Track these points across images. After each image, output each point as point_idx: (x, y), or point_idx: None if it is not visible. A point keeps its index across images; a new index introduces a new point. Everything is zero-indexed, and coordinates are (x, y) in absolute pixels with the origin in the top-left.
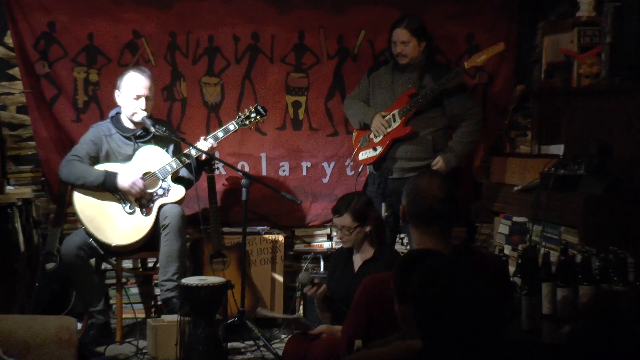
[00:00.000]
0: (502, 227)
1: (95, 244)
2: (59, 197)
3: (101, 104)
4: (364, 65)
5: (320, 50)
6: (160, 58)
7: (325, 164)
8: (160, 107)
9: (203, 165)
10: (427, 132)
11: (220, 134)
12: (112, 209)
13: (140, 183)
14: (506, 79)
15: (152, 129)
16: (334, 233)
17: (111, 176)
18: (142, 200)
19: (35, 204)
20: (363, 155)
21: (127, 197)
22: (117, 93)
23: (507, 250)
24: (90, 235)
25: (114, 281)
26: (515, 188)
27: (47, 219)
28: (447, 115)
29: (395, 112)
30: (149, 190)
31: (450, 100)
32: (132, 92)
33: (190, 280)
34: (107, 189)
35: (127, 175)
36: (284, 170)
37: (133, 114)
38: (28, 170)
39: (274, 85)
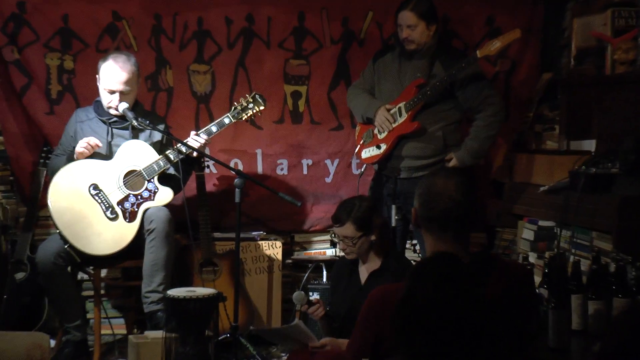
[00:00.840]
0: (527, 233)
1: (71, 251)
2: (30, 199)
3: (77, 94)
4: (372, 51)
5: (322, 34)
6: (143, 43)
7: (328, 162)
8: (143, 98)
9: (192, 164)
10: (437, 128)
11: (214, 128)
12: (92, 213)
13: (85, 139)
14: (531, 67)
15: (134, 123)
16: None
17: (72, 152)
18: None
19: (3, 206)
20: (366, 153)
21: (108, 199)
22: (97, 78)
23: (532, 258)
24: (66, 241)
25: (91, 293)
26: (541, 189)
27: (16, 223)
28: (462, 108)
29: (402, 105)
30: (134, 193)
31: (464, 90)
32: (105, 85)
33: (178, 292)
34: (69, 160)
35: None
36: (282, 168)
37: (108, 108)
38: None
39: (271, 74)
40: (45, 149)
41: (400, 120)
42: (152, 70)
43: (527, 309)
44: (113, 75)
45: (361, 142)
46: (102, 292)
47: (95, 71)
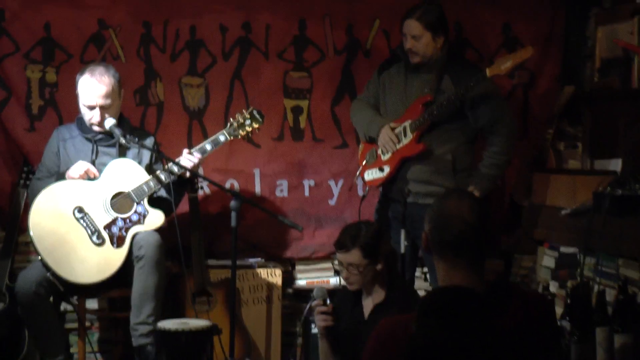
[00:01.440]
0: (547, 260)
1: (53, 279)
2: (9, 222)
3: (60, 109)
4: (379, 62)
5: (325, 44)
6: (131, 53)
7: (331, 183)
8: (132, 113)
9: (185, 185)
10: (446, 150)
11: (208, 146)
12: (77, 238)
13: (83, 165)
14: (552, 79)
15: (122, 140)
16: None
17: (60, 176)
18: (117, 220)
19: None
20: (369, 175)
21: (94, 223)
22: (77, 94)
23: (554, 287)
24: (48, 269)
25: (75, 325)
26: (563, 211)
27: None
28: (472, 127)
29: (407, 124)
30: (122, 216)
31: (474, 110)
32: (84, 101)
33: (169, 324)
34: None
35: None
36: (282, 189)
37: (90, 124)
38: None
39: (270, 87)
40: (25, 168)
41: (405, 141)
42: (141, 83)
43: (548, 343)
44: (91, 90)
45: (364, 163)
46: (87, 324)
47: None
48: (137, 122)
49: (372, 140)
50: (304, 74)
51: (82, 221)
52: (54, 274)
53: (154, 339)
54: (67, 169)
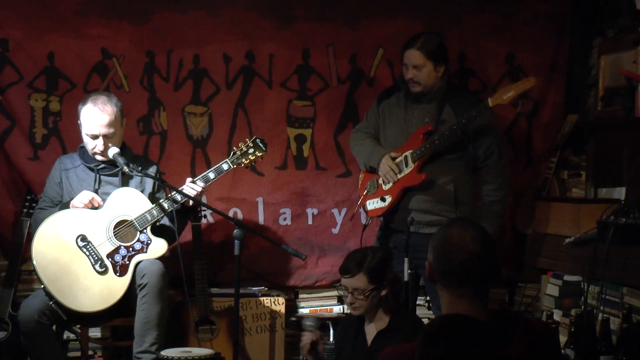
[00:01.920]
0: (551, 288)
1: (56, 307)
2: (12, 251)
3: (64, 138)
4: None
5: (328, 73)
6: (135, 83)
7: (335, 211)
8: (135, 142)
9: (188, 213)
10: (448, 180)
11: (211, 174)
12: (80, 267)
13: (87, 194)
14: (555, 107)
15: (126, 169)
16: None
17: (64, 205)
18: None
19: None
20: (371, 204)
21: (97, 252)
22: (79, 123)
23: (557, 316)
24: (51, 297)
25: (78, 354)
26: (567, 240)
27: None
28: (473, 157)
29: (408, 153)
30: (125, 244)
31: (474, 143)
32: (87, 130)
33: (172, 353)
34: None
35: (79, 196)
36: (285, 218)
37: (93, 154)
38: None
39: (273, 116)
40: (28, 197)
41: (407, 170)
42: (145, 112)
43: None
44: (94, 119)
45: (364, 193)
46: (90, 353)
47: None
48: (141, 151)
49: (373, 170)
50: (307, 102)
51: (85, 250)
52: (57, 303)
53: None
54: (71, 198)
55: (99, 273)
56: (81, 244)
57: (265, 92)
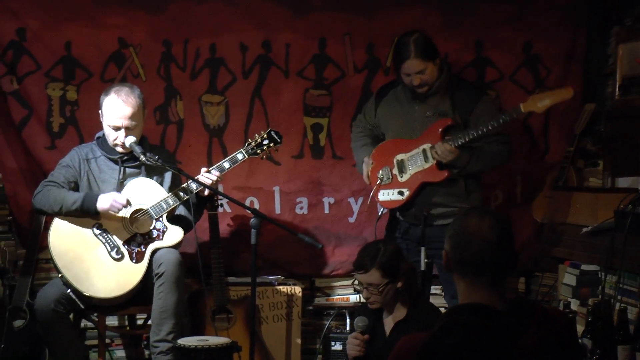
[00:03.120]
0: (568, 277)
1: (73, 296)
2: (29, 240)
3: (80, 127)
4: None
5: (345, 62)
6: (152, 72)
7: (351, 200)
8: (152, 131)
9: (205, 202)
10: (457, 172)
11: (226, 164)
12: (96, 253)
13: (121, 199)
14: (573, 97)
15: (142, 158)
16: None
17: (91, 196)
18: (137, 236)
19: (1, 248)
20: (385, 195)
21: (113, 239)
22: (100, 113)
23: (575, 305)
24: (67, 285)
25: (95, 342)
26: (584, 230)
27: (15, 266)
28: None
29: (427, 147)
30: (141, 232)
31: (491, 144)
32: (109, 122)
33: (189, 341)
34: (85, 211)
35: (108, 195)
36: (302, 207)
37: (114, 145)
38: None
39: (290, 105)
40: None
41: (426, 165)
42: (162, 101)
43: None
44: (117, 111)
45: (378, 182)
46: (107, 341)
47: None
48: (157, 140)
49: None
50: (323, 91)
51: (101, 237)
52: (75, 291)
53: (174, 356)
54: (91, 189)
55: (115, 260)
56: (97, 232)
57: (281, 81)
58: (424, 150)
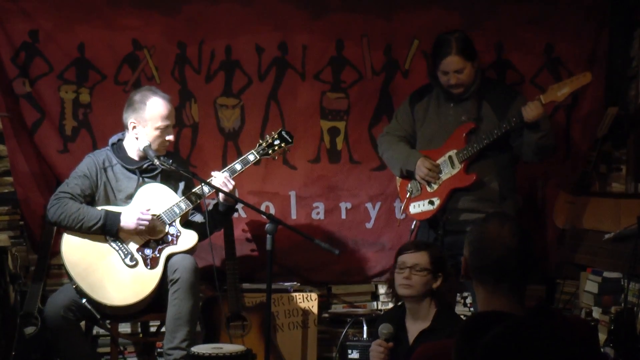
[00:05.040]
0: (590, 285)
1: (89, 306)
2: (41, 246)
3: (94, 130)
4: (418, 83)
5: (363, 64)
6: (166, 74)
7: (369, 205)
8: None
9: (230, 211)
10: (492, 177)
11: (237, 166)
12: (110, 261)
13: (146, 217)
14: (595, 100)
15: (156, 161)
16: (380, 290)
17: (112, 216)
18: (150, 242)
19: (12, 253)
20: (416, 208)
21: (127, 245)
22: (132, 121)
23: (597, 313)
24: (82, 294)
25: (108, 349)
26: (606, 236)
27: (26, 272)
28: (514, 150)
29: (452, 154)
30: (154, 238)
31: (515, 132)
32: (158, 124)
33: (203, 349)
34: (107, 232)
35: (131, 213)
36: (318, 212)
37: (163, 147)
38: (4, 212)
39: (306, 108)
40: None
41: (454, 171)
42: (176, 104)
43: None
44: (165, 110)
45: (407, 195)
46: (120, 348)
47: (113, 105)
48: (171, 144)
49: (410, 175)
50: (341, 94)
51: (114, 245)
52: (90, 301)
53: None
54: (108, 199)
55: (130, 267)
56: (110, 239)
57: (298, 83)
58: (450, 157)
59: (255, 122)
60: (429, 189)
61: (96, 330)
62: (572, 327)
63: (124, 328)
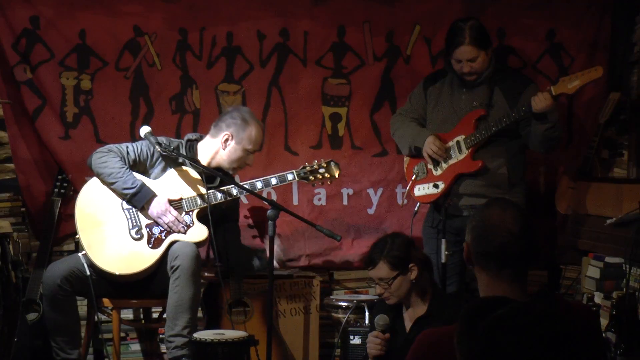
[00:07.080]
0: (592, 270)
1: (83, 260)
2: (43, 232)
3: (95, 117)
4: (419, 69)
5: (364, 50)
6: (167, 60)
7: (370, 191)
8: (167, 121)
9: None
10: (500, 163)
11: (273, 180)
12: (116, 226)
13: (169, 217)
14: (597, 86)
15: (158, 148)
16: None
17: (146, 193)
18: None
19: (14, 240)
20: (421, 190)
21: (138, 217)
22: (226, 133)
23: (598, 298)
24: (82, 247)
25: (110, 335)
26: (608, 221)
27: (28, 259)
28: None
29: (460, 139)
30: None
31: (524, 121)
32: (251, 147)
33: (204, 335)
34: (132, 203)
35: (161, 202)
36: (320, 198)
37: (239, 167)
38: (5, 199)
39: (308, 94)
40: (59, 177)
41: (460, 156)
42: (177, 90)
43: (593, 356)
44: (260, 137)
45: (413, 178)
46: (122, 335)
47: (115, 91)
48: (173, 130)
49: (418, 153)
50: (342, 80)
51: (127, 212)
52: (85, 255)
53: (190, 350)
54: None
55: (133, 239)
56: (125, 206)
57: (299, 70)
58: (457, 142)
59: (257, 109)
60: (435, 172)
61: (98, 316)
62: (574, 312)
63: (126, 314)
